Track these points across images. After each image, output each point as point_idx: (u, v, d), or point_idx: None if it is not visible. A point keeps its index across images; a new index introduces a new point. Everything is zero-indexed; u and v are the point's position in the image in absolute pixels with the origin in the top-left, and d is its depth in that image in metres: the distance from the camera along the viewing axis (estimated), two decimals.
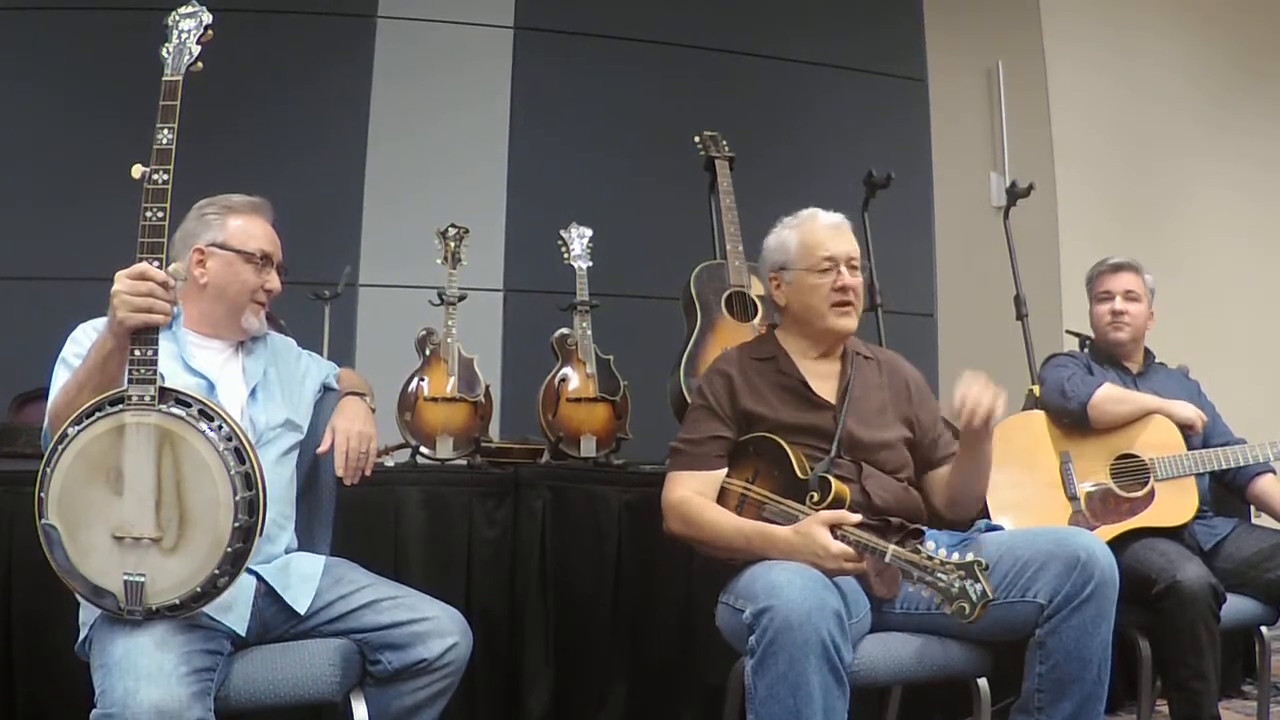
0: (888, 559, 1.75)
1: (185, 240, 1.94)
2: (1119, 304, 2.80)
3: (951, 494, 2.14)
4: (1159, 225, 4.64)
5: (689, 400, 2.28)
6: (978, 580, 1.65)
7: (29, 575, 2.18)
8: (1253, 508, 2.78)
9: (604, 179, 4.23)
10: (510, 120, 4.28)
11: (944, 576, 1.67)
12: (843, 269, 2.10)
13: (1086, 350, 2.95)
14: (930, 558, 1.69)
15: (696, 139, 3.05)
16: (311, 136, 4.09)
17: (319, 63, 4.15)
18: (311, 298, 3.06)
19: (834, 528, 1.82)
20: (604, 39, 4.44)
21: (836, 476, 1.96)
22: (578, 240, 3.00)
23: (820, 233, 2.14)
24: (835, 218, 2.19)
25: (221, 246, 1.93)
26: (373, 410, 2.07)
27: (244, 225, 1.96)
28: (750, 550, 1.91)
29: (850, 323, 2.13)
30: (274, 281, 1.99)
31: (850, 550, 1.79)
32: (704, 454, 2.07)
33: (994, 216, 4.08)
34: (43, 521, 1.57)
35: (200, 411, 1.60)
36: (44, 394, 1.80)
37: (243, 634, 1.73)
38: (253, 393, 1.95)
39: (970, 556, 1.68)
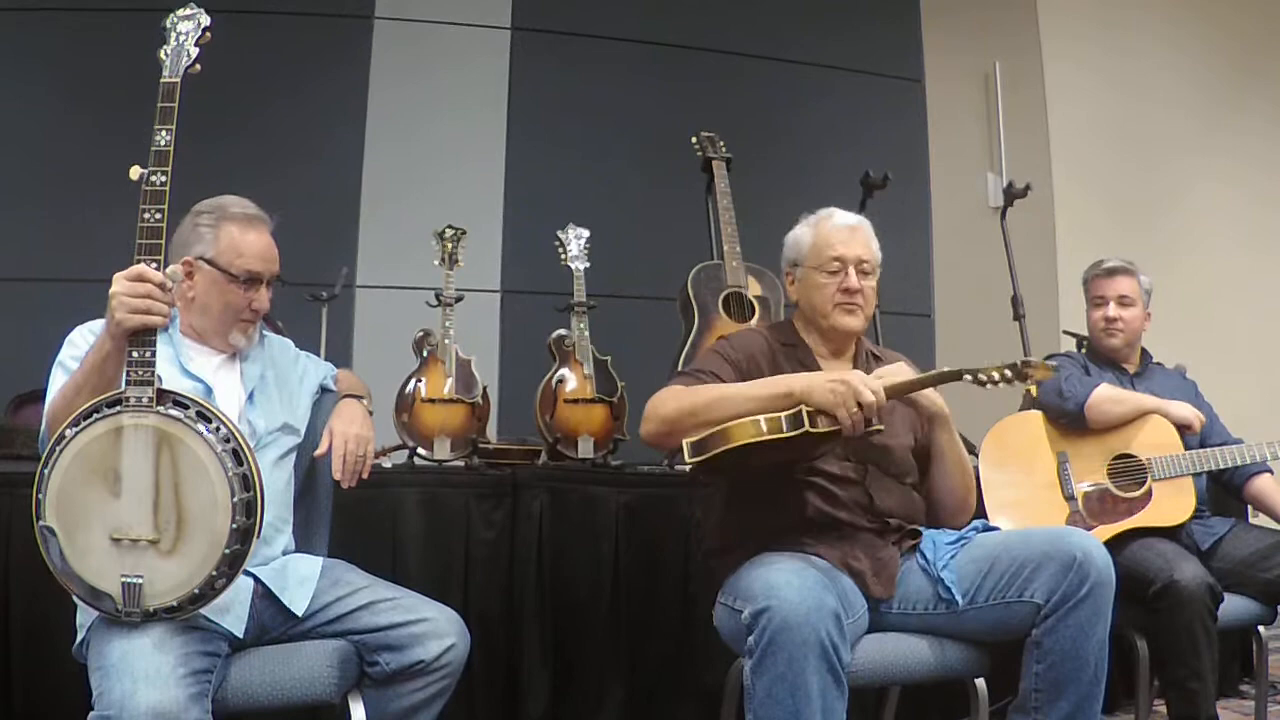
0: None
1: (178, 248, 1.91)
2: (1113, 310, 2.79)
3: (938, 497, 2.13)
4: (1156, 225, 4.65)
5: None
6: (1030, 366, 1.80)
7: (26, 577, 2.18)
8: (1250, 507, 2.78)
9: (601, 180, 4.23)
10: (507, 121, 4.29)
11: (1000, 373, 1.82)
12: (851, 271, 2.09)
13: (1084, 350, 2.95)
14: (982, 371, 1.82)
15: (694, 140, 3.05)
16: (309, 137, 4.10)
17: (316, 64, 4.15)
18: (309, 299, 3.06)
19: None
20: (601, 40, 4.44)
21: (842, 478, 1.96)
22: (575, 241, 2.99)
23: (832, 234, 2.13)
24: (852, 219, 2.17)
25: (210, 263, 1.89)
26: (370, 412, 2.07)
27: (235, 242, 1.90)
28: (754, 401, 1.84)
29: (854, 321, 2.11)
30: (261, 301, 1.94)
31: (884, 400, 1.82)
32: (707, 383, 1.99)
33: (991, 217, 4.06)
34: (40, 523, 1.57)
35: (198, 413, 1.60)
36: (41, 395, 1.79)
37: (240, 635, 1.73)
38: (250, 396, 1.94)
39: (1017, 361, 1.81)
